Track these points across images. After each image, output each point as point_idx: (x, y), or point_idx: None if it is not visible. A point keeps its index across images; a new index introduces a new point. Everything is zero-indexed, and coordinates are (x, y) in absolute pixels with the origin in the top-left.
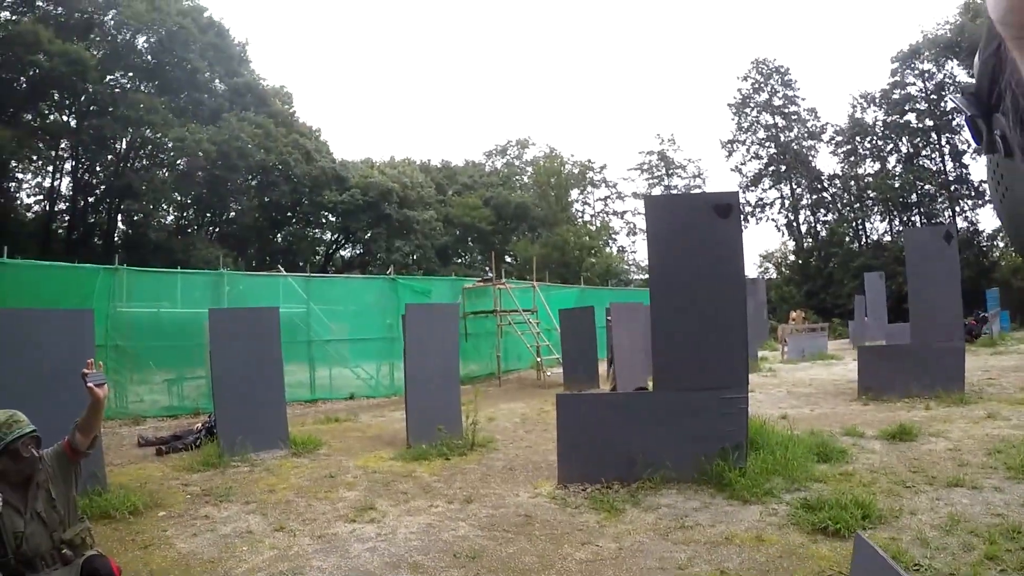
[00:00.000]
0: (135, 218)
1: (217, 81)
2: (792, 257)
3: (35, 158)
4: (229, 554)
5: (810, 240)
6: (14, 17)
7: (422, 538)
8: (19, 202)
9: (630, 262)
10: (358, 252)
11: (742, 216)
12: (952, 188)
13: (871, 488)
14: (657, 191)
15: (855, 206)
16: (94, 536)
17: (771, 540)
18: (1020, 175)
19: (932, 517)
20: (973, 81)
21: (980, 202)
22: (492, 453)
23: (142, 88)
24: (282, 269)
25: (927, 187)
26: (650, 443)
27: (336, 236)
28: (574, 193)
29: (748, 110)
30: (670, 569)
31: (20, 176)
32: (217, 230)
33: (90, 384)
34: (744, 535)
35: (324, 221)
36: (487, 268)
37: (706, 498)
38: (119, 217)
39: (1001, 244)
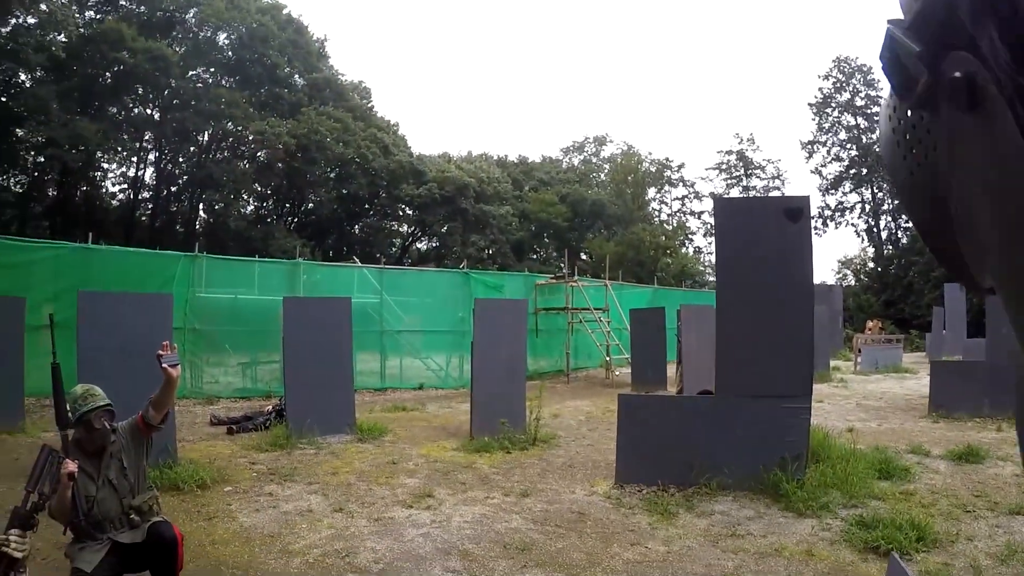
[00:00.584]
0: (216, 207)
1: (296, 76)
2: (871, 264)
3: (120, 149)
4: (288, 530)
5: (890, 247)
6: (98, 16)
7: (475, 528)
8: (105, 191)
9: (706, 263)
10: (434, 245)
11: (821, 220)
12: None
13: (930, 510)
14: (735, 192)
15: None
16: (161, 504)
17: (821, 555)
18: (970, 133)
19: (989, 544)
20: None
21: None
22: (553, 449)
23: (223, 83)
24: (357, 260)
25: None
26: (709, 448)
27: (412, 229)
28: (651, 192)
29: (829, 110)
30: None
31: (105, 166)
32: (295, 220)
33: (164, 365)
34: (794, 548)
35: (401, 214)
36: (561, 265)
37: (761, 508)
38: (200, 206)
39: None
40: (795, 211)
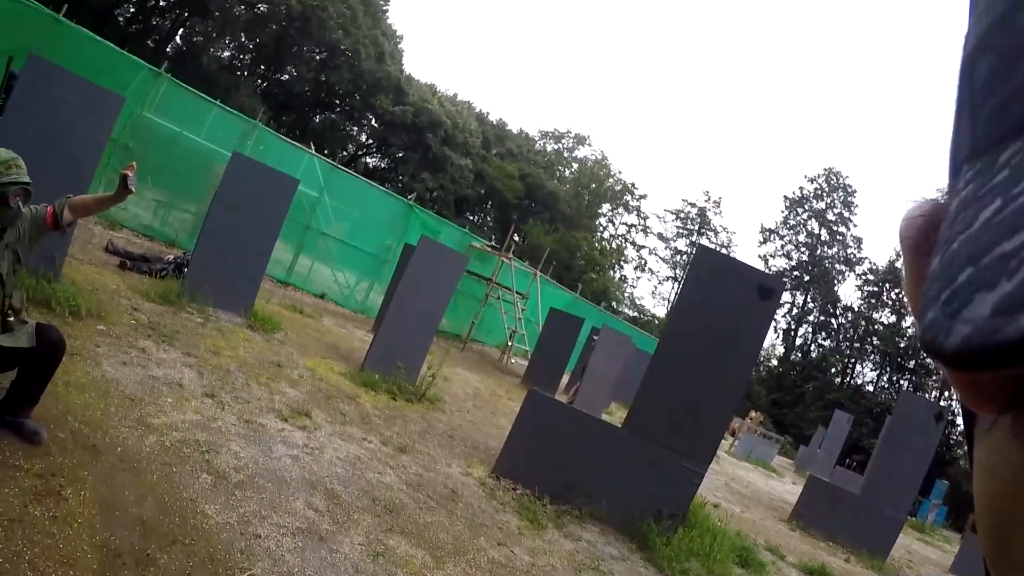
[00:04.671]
0: (195, 39)
1: None
2: (775, 362)
3: None
4: (152, 399)
5: (799, 355)
6: None
7: (347, 468)
8: None
9: (626, 295)
10: (383, 166)
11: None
12: None
13: None
14: (682, 243)
15: (855, 346)
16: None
17: None
18: None
19: None
20: None
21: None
22: (437, 413)
23: None
24: (313, 148)
25: (928, 360)
26: (596, 475)
27: (371, 142)
28: (605, 207)
29: (801, 210)
30: None
31: None
32: (264, 84)
33: (130, 186)
34: None
35: (365, 123)
36: (493, 236)
37: (625, 551)
38: (180, 32)
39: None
40: (768, 290)
